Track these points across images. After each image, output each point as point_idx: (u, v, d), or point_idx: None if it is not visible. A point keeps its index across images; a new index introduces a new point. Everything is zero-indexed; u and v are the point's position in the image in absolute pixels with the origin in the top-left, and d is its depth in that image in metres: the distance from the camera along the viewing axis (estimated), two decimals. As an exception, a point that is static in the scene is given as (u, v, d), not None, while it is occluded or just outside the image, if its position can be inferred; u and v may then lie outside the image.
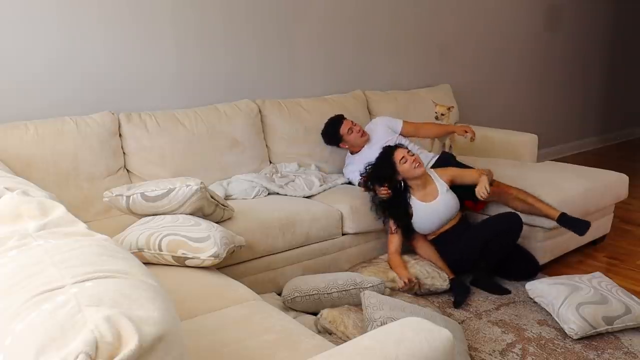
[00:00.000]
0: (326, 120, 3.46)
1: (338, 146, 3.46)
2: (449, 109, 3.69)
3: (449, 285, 2.87)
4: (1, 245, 1.10)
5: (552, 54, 5.64)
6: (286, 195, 3.08)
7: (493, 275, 3.01)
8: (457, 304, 2.79)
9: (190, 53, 3.36)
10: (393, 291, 2.77)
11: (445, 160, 3.33)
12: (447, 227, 3.01)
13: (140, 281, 0.96)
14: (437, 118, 3.64)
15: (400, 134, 3.47)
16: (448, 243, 2.97)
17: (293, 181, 3.20)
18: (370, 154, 3.21)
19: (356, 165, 3.32)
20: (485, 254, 2.89)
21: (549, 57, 5.62)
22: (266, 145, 3.47)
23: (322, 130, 3.48)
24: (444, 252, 2.96)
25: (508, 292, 2.91)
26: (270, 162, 3.47)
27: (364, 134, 3.40)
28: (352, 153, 3.47)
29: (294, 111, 3.56)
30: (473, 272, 2.99)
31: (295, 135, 3.52)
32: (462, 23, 4.74)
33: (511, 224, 2.87)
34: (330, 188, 3.25)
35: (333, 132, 3.41)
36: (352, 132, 3.37)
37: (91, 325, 0.80)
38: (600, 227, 3.54)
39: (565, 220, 2.93)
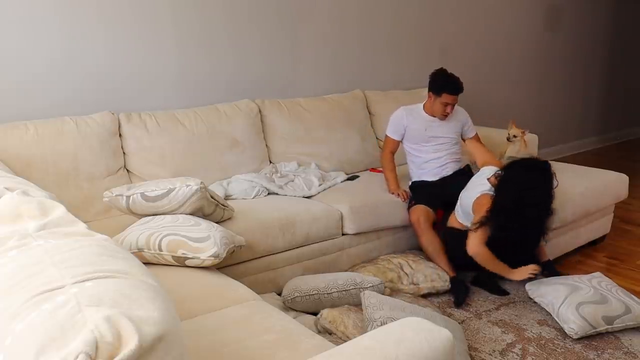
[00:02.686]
0: (449, 73, 3.21)
1: (429, 93, 3.24)
2: (523, 132, 3.54)
3: (450, 286, 2.87)
4: (1, 245, 1.10)
5: (552, 54, 5.64)
6: (286, 195, 3.09)
7: (495, 275, 3.00)
8: (458, 304, 2.79)
9: (192, 53, 3.36)
10: (393, 291, 2.78)
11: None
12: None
13: (140, 281, 0.96)
14: (508, 139, 3.48)
15: (462, 140, 3.39)
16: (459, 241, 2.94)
17: (292, 181, 3.20)
18: (436, 127, 3.24)
19: (418, 118, 3.26)
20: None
21: (549, 57, 5.62)
22: (266, 145, 3.47)
23: (435, 75, 3.23)
24: (454, 250, 2.93)
25: (507, 293, 2.91)
26: (270, 162, 3.47)
27: (446, 117, 3.22)
28: (424, 108, 3.31)
29: (293, 111, 3.56)
30: (476, 271, 3.00)
31: (295, 135, 3.52)
32: (462, 23, 4.74)
33: None
34: (329, 187, 3.26)
35: (439, 86, 3.17)
36: (445, 108, 3.16)
37: (91, 325, 0.80)
38: (600, 227, 3.54)
39: (546, 267, 2.95)
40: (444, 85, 3.15)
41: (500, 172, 2.81)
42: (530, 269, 2.72)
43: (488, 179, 2.84)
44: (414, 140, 3.27)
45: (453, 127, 3.30)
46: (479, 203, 2.77)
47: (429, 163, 3.25)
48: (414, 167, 3.34)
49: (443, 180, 3.23)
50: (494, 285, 2.94)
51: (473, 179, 3.02)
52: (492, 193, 2.77)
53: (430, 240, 3.01)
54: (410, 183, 3.33)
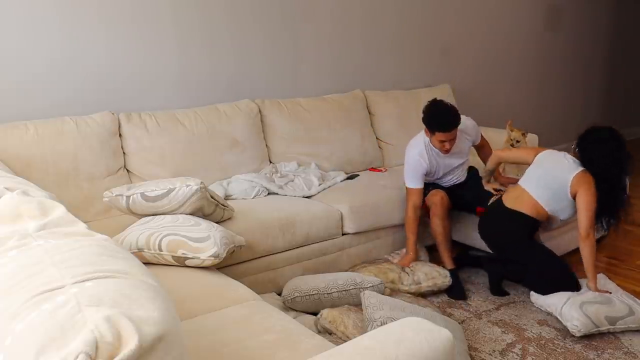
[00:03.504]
0: (440, 108, 2.93)
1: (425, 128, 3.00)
2: (523, 134, 3.41)
3: (451, 281, 2.87)
4: (1, 245, 1.10)
5: (552, 54, 5.64)
6: (286, 195, 3.08)
7: (505, 274, 2.97)
8: (451, 296, 2.87)
9: (192, 53, 3.36)
10: (393, 291, 2.78)
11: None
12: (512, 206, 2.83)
13: (140, 281, 0.96)
14: (512, 145, 3.31)
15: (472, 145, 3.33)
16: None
17: (292, 181, 3.20)
18: (448, 161, 3.09)
19: (432, 160, 3.05)
20: (520, 279, 2.91)
21: (549, 57, 5.62)
22: (266, 145, 3.47)
23: (425, 111, 2.96)
24: (514, 233, 2.81)
25: (507, 294, 2.91)
26: (270, 162, 3.47)
27: (448, 152, 3.00)
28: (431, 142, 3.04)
29: (293, 111, 3.56)
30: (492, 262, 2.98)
31: (295, 135, 3.52)
32: (463, 24, 4.74)
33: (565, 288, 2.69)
34: (329, 187, 3.26)
35: (430, 125, 2.92)
36: (442, 145, 2.94)
37: (91, 325, 0.80)
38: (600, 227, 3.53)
39: None
40: (434, 123, 2.90)
41: (576, 148, 2.73)
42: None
43: (573, 156, 2.74)
44: (432, 177, 3.18)
45: (463, 149, 3.18)
46: (584, 181, 2.63)
47: (440, 185, 3.24)
48: None
49: (452, 185, 3.24)
50: (498, 285, 2.92)
51: (552, 164, 2.79)
52: (585, 169, 2.66)
53: (443, 225, 3.01)
54: None
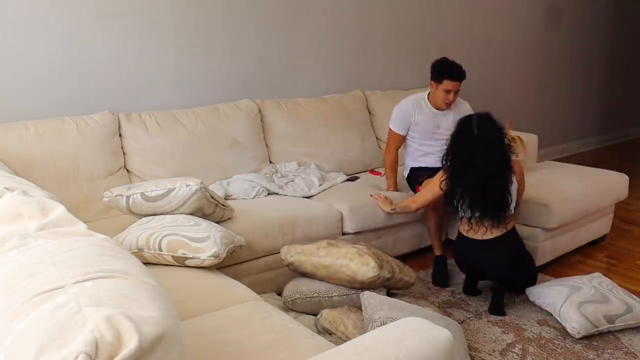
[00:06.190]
0: (450, 60, 3.15)
1: (430, 82, 3.19)
2: (519, 139, 3.38)
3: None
4: (1, 245, 1.10)
5: (552, 53, 5.64)
6: (286, 195, 3.08)
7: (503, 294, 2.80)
8: (435, 283, 2.97)
9: (191, 52, 3.36)
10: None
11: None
12: (491, 236, 2.68)
13: (140, 281, 0.96)
14: None
15: None
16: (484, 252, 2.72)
17: (292, 181, 3.20)
18: (443, 122, 3.20)
19: (426, 113, 3.22)
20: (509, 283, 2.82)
21: (549, 57, 5.62)
22: (266, 145, 3.47)
23: (435, 62, 3.17)
24: (477, 257, 2.73)
25: (505, 314, 2.73)
26: (270, 162, 3.47)
27: (449, 106, 3.19)
28: (428, 98, 3.26)
29: (293, 111, 3.56)
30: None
31: (295, 134, 3.52)
32: (462, 23, 4.74)
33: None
34: (329, 187, 3.26)
35: (439, 73, 3.11)
36: (446, 95, 3.12)
37: (91, 325, 0.80)
38: (600, 227, 3.54)
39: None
40: (444, 71, 3.10)
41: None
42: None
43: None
44: (419, 135, 3.25)
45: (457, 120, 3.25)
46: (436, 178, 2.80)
47: (428, 156, 3.25)
48: (410, 158, 3.33)
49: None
50: (500, 304, 2.76)
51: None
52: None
53: (437, 215, 3.10)
54: (407, 171, 3.34)
